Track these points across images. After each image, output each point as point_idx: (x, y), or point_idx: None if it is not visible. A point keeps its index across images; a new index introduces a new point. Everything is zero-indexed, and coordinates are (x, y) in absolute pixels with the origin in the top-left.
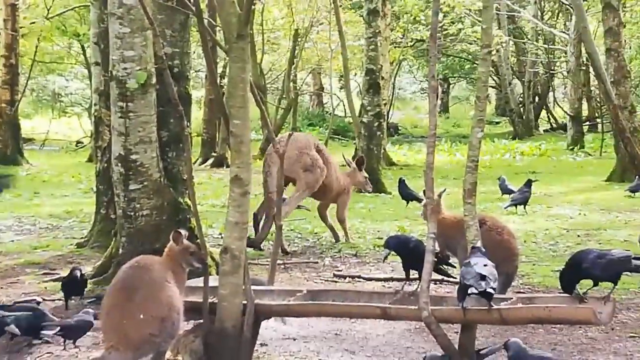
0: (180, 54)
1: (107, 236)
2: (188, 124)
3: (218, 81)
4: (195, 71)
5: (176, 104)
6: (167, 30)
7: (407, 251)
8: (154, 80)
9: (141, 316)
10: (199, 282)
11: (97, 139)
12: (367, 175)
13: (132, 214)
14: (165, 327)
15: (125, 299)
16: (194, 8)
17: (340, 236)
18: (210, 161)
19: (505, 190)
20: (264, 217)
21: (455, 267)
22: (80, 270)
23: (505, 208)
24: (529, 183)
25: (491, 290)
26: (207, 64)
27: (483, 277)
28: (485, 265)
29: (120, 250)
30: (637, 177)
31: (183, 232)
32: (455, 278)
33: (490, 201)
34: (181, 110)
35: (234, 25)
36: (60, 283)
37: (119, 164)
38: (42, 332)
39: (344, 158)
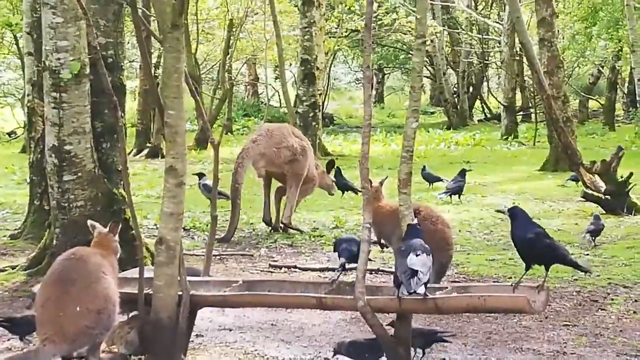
0: (114, 44)
1: (41, 227)
2: (122, 114)
3: (152, 71)
4: (130, 61)
5: (110, 94)
6: (101, 20)
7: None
8: (87, 70)
9: (77, 308)
10: (134, 273)
11: (30, 130)
12: (334, 179)
13: (66, 205)
14: (101, 319)
15: (61, 291)
16: None
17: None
18: (144, 152)
19: (430, 179)
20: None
21: None
22: None
23: (439, 197)
24: (463, 173)
25: (421, 290)
26: (142, 54)
27: (414, 273)
28: (417, 255)
29: (55, 242)
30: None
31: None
32: None
33: (425, 191)
34: (115, 101)
35: (168, 15)
36: None
37: (53, 155)
38: None
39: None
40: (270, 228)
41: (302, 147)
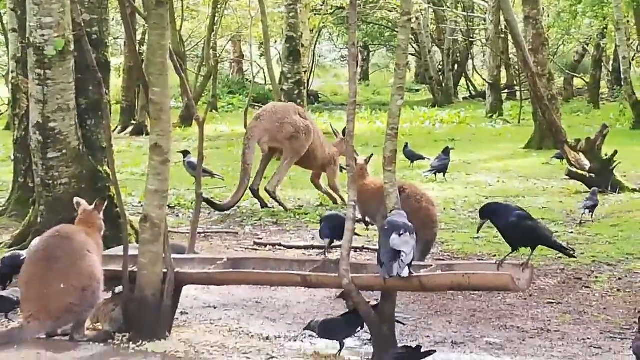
0: (99, 20)
1: (26, 205)
2: (107, 91)
3: (137, 48)
4: (114, 38)
5: (95, 71)
6: None
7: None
8: (72, 47)
9: (62, 286)
10: (118, 250)
11: (14, 107)
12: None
13: (50, 182)
14: (86, 296)
15: (45, 268)
16: None
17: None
18: (129, 129)
19: (412, 157)
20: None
21: None
22: None
23: (424, 175)
24: (447, 151)
25: (404, 273)
26: (126, 31)
27: (397, 255)
28: (400, 234)
29: (39, 219)
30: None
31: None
32: None
33: (409, 169)
34: (100, 78)
35: None
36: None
37: (37, 132)
38: None
39: (332, 128)
40: (257, 200)
41: (306, 126)
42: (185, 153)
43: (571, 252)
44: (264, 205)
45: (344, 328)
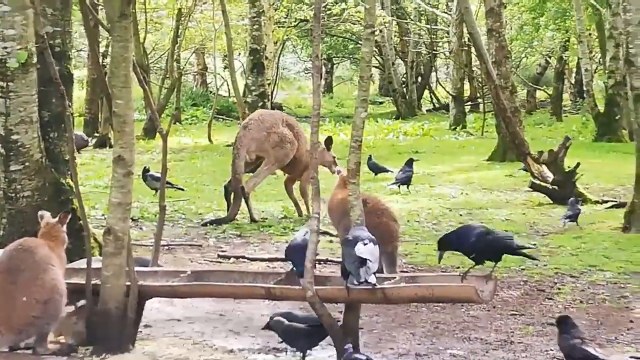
0: (62, 33)
1: None
2: (70, 103)
3: (100, 61)
4: (77, 50)
5: (58, 83)
6: (48, 8)
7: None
8: (34, 59)
9: (24, 299)
10: (82, 263)
11: None
12: (335, 155)
13: (13, 195)
14: (49, 309)
15: (8, 282)
16: None
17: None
18: (92, 141)
19: (376, 169)
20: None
21: None
22: None
23: (388, 187)
24: (410, 162)
25: (372, 280)
26: (89, 43)
27: (363, 262)
28: (365, 244)
29: (1, 232)
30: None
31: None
32: None
33: (373, 181)
34: (63, 90)
35: (116, 3)
36: None
37: (0, 145)
38: None
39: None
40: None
41: (293, 136)
42: (145, 170)
43: (534, 255)
44: (235, 202)
45: (306, 338)
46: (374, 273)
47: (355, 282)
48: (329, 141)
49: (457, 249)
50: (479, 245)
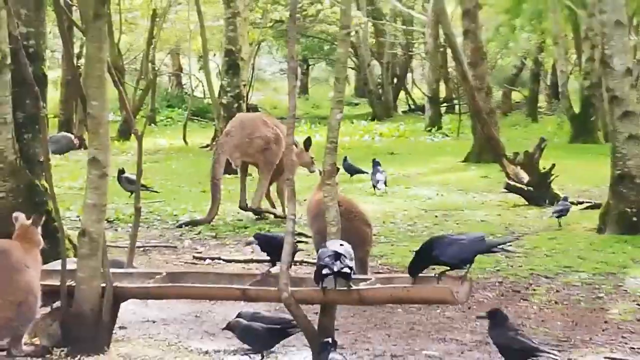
0: (36, 33)
1: None
2: (44, 104)
3: (75, 62)
4: (52, 51)
5: (32, 84)
6: (22, 9)
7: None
8: (8, 60)
9: None
10: (56, 265)
11: None
12: (313, 156)
13: None
14: (23, 311)
15: None
16: None
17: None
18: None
19: (352, 170)
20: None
21: None
22: None
23: (379, 190)
24: (376, 163)
25: (347, 270)
26: (64, 44)
27: (338, 256)
28: (341, 245)
29: None
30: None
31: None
32: None
33: (350, 182)
34: (37, 91)
35: (91, 4)
36: None
37: None
38: None
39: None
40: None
41: (276, 135)
42: (121, 172)
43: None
44: (260, 215)
45: (264, 339)
46: (350, 271)
47: (329, 271)
48: (308, 142)
49: (437, 259)
50: (453, 251)
